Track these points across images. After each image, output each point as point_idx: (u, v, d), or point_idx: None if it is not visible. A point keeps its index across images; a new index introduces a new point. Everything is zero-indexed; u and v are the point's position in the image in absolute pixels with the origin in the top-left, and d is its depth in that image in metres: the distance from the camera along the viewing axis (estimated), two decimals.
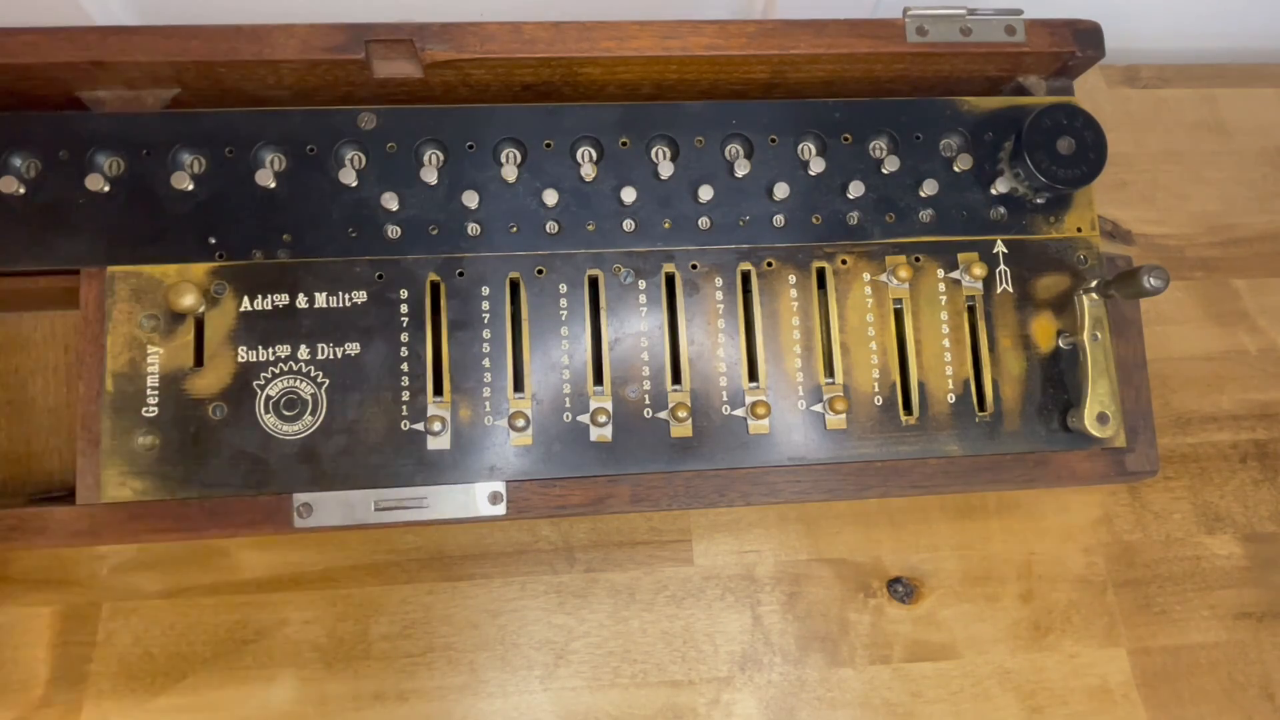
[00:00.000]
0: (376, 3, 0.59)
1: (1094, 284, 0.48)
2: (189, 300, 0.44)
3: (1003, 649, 0.57)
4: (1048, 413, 0.49)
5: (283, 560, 0.56)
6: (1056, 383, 0.50)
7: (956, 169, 0.51)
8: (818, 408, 0.48)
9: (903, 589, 0.58)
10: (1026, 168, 0.49)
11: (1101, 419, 0.48)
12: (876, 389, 0.49)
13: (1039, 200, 0.51)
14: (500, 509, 0.46)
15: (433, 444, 0.46)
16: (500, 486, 0.46)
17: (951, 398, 0.49)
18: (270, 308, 0.46)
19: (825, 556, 0.58)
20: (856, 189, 0.50)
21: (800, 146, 0.51)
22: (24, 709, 0.52)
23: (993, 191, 0.51)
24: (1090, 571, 0.59)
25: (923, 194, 0.51)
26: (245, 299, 0.46)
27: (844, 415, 0.48)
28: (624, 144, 0.50)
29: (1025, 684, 0.56)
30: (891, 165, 0.50)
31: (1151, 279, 0.43)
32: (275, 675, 0.53)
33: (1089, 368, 0.48)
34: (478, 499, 0.46)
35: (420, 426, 0.46)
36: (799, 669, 0.56)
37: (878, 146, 0.52)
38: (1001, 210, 0.51)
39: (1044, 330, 0.50)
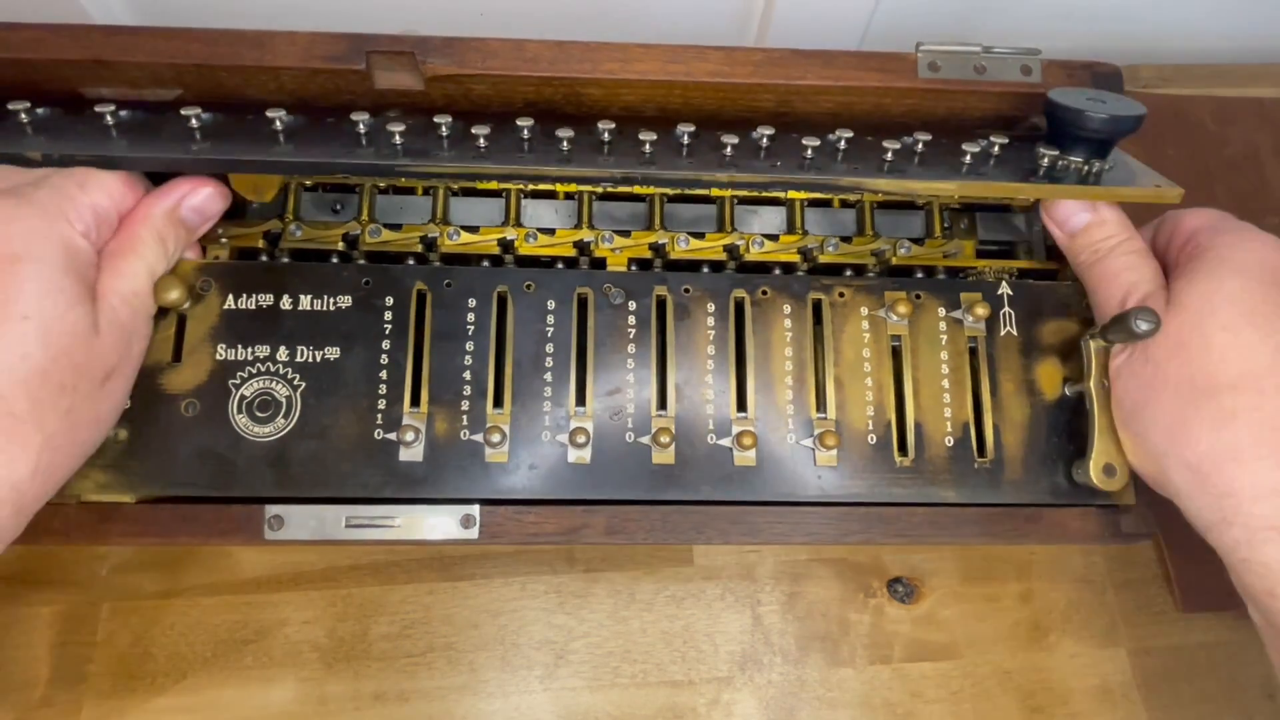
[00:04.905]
0: (378, 7, 0.59)
1: (1098, 330, 0.46)
2: (173, 295, 0.44)
3: (1003, 649, 0.56)
4: (1051, 462, 0.47)
5: (283, 560, 0.56)
6: (1061, 431, 0.47)
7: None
8: (808, 442, 0.46)
9: (903, 589, 0.57)
10: (1063, 124, 0.46)
11: (1108, 470, 0.45)
12: (870, 427, 0.47)
13: (1088, 167, 0.47)
14: (472, 533, 0.45)
15: (405, 455, 0.45)
16: (473, 509, 0.45)
17: (950, 440, 0.47)
18: (254, 307, 0.46)
19: (825, 556, 0.58)
20: None
21: None
22: (24, 709, 0.51)
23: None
24: (1090, 571, 0.59)
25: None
26: (230, 297, 0.46)
27: (834, 451, 0.46)
28: None
29: (1025, 684, 0.55)
30: None
31: (1139, 321, 0.41)
32: (275, 675, 0.53)
33: (1095, 417, 0.46)
34: (449, 522, 0.45)
35: (393, 436, 0.45)
36: (799, 669, 0.55)
37: None
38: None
39: (1049, 376, 0.48)
